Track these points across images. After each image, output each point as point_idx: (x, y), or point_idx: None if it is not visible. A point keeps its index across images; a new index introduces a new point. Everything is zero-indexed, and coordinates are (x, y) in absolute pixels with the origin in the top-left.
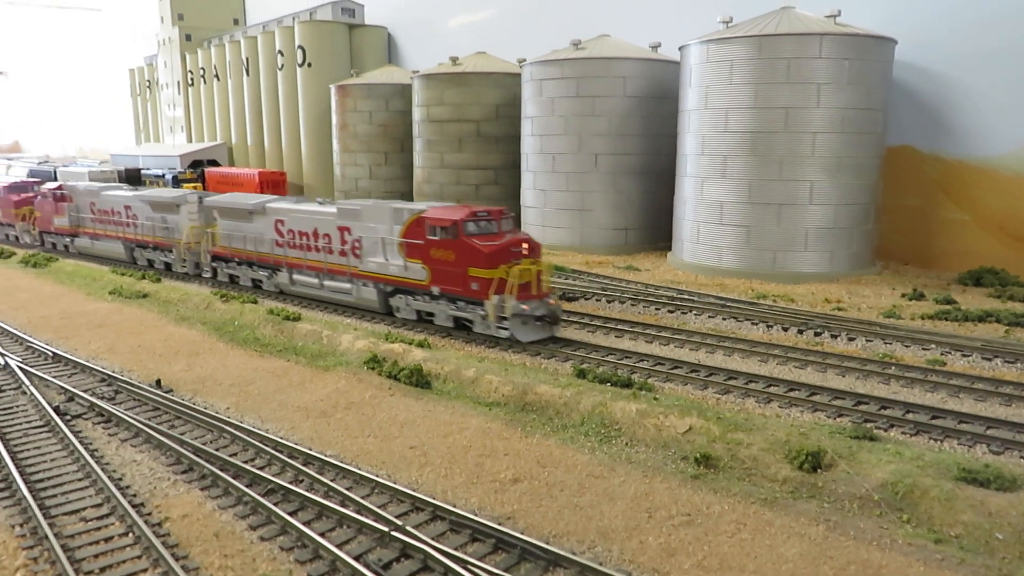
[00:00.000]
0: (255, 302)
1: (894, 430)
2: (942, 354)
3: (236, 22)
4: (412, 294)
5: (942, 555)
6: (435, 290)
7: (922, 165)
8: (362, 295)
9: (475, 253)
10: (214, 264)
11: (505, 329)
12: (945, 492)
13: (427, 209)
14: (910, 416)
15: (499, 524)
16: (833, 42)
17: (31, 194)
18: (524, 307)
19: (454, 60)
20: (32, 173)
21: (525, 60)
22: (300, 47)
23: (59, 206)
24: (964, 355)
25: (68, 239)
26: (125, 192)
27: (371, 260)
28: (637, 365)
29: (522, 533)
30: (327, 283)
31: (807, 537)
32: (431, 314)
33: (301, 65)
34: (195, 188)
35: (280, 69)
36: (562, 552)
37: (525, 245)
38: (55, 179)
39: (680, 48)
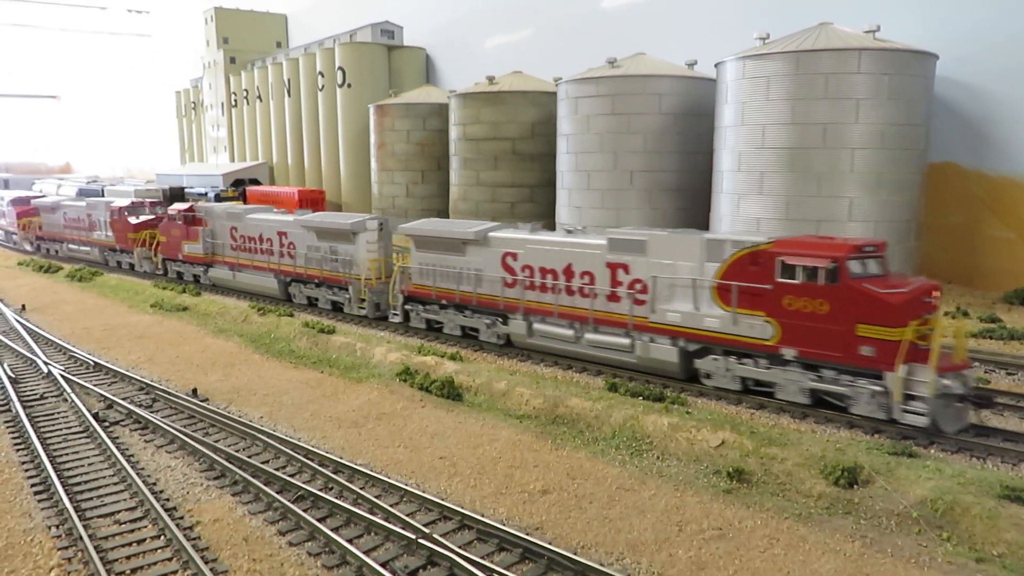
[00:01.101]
0: (291, 315)
1: (934, 447)
2: (986, 372)
3: (279, 45)
4: (738, 356)
5: (984, 574)
6: (787, 353)
7: (965, 182)
8: (650, 354)
9: (873, 304)
10: (407, 307)
11: (921, 415)
12: (987, 510)
13: (771, 242)
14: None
15: (527, 534)
16: (872, 57)
17: (152, 216)
18: (947, 383)
19: (490, 79)
20: (81, 192)
21: (561, 79)
22: (340, 68)
23: (190, 230)
24: (1009, 373)
25: (201, 269)
26: (279, 216)
27: (667, 308)
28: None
29: (550, 543)
30: (589, 337)
31: (842, 553)
32: (767, 384)
33: (341, 86)
34: (236, 204)
35: (320, 90)
36: (590, 563)
37: (936, 293)
38: (103, 197)
39: (716, 65)
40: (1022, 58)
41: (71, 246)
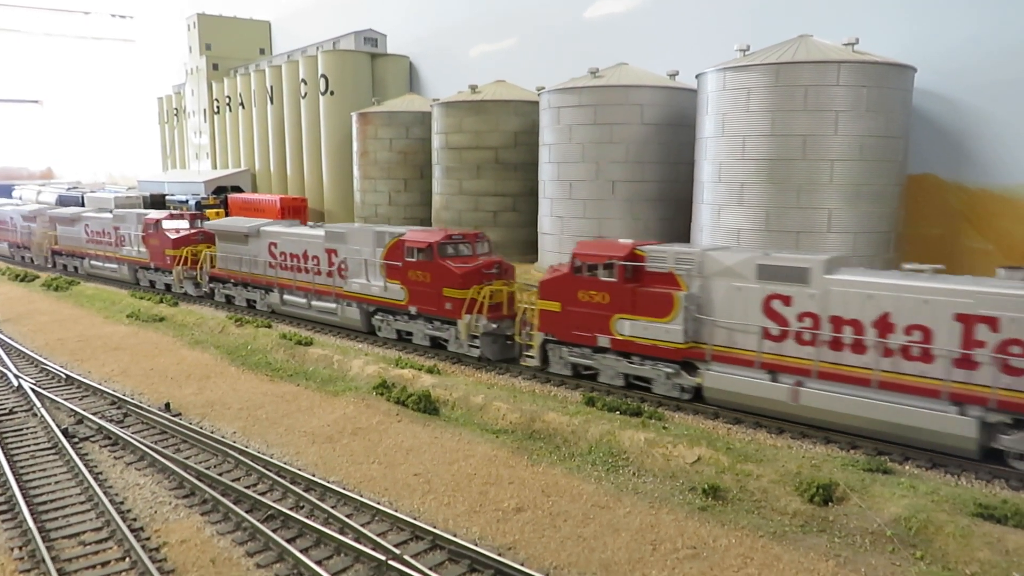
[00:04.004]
0: (269, 326)
1: (909, 463)
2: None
3: (262, 51)
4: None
5: None
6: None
7: (944, 194)
8: None
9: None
10: None
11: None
12: (961, 528)
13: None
14: (926, 449)
15: (499, 554)
16: (851, 70)
17: (486, 257)
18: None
19: (473, 88)
20: (61, 199)
21: (543, 88)
22: (323, 76)
23: (640, 294)
24: None
25: (665, 367)
26: (977, 286)
27: None
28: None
29: (522, 564)
30: None
31: (816, 573)
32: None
33: (324, 93)
34: (217, 214)
35: (303, 97)
36: None
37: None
38: (83, 205)
39: (697, 76)
40: (1000, 72)
41: (290, 297)
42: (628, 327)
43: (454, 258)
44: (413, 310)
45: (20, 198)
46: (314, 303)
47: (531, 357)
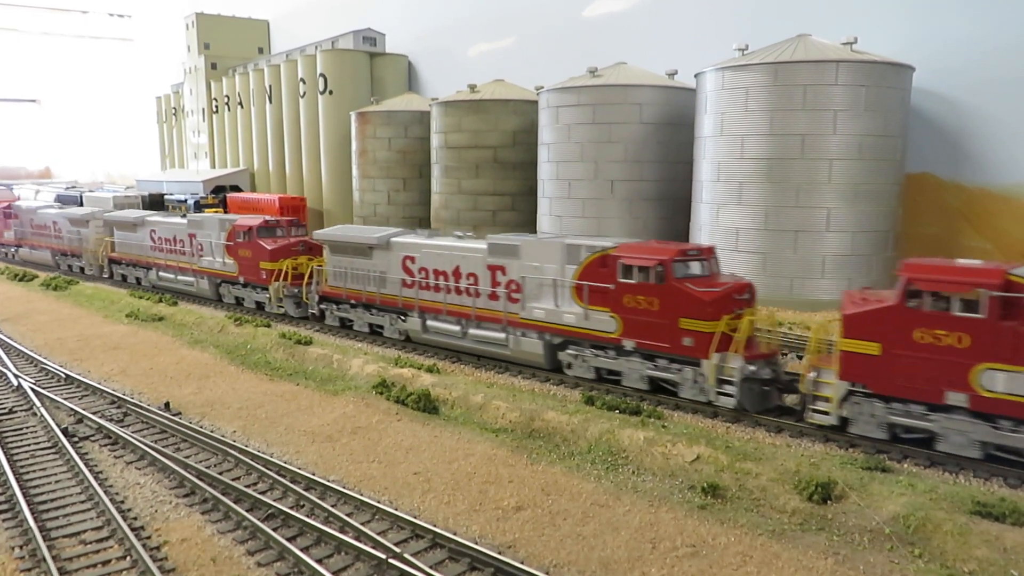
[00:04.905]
0: (268, 326)
1: (907, 461)
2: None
3: (260, 51)
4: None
5: None
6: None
7: (943, 193)
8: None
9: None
10: None
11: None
12: (959, 526)
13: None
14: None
15: (499, 553)
16: (849, 69)
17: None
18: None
19: (472, 87)
20: (59, 198)
21: (542, 87)
22: (322, 75)
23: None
24: None
25: None
26: None
27: None
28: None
29: (522, 563)
30: None
31: (815, 571)
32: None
33: (323, 93)
34: (216, 212)
35: (302, 96)
36: None
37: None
38: (81, 204)
39: (696, 75)
40: (998, 72)
41: (436, 323)
42: (1002, 381)
43: (692, 280)
44: (629, 345)
45: (19, 197)
46: (471, 331)
47: (823, 413)
